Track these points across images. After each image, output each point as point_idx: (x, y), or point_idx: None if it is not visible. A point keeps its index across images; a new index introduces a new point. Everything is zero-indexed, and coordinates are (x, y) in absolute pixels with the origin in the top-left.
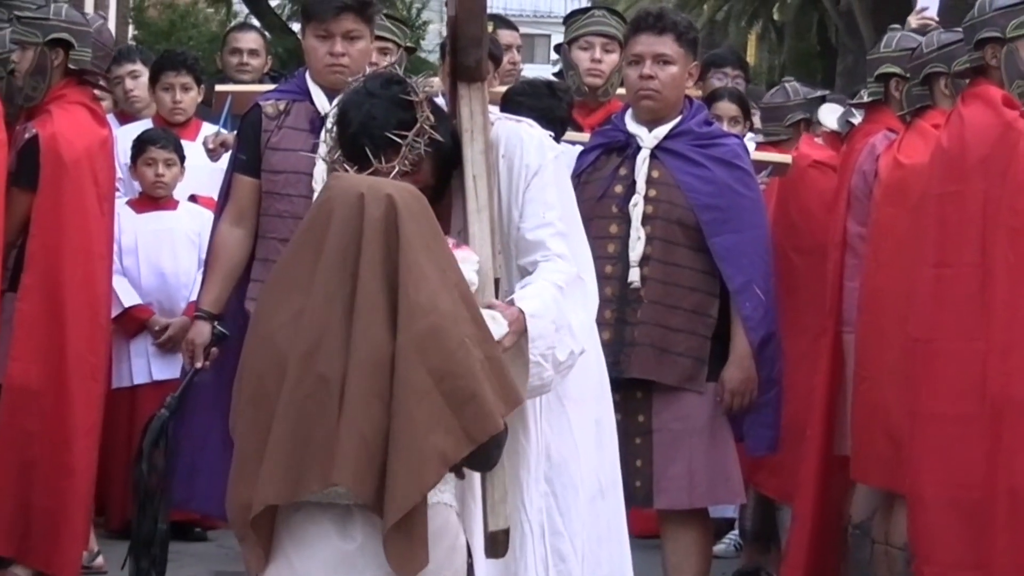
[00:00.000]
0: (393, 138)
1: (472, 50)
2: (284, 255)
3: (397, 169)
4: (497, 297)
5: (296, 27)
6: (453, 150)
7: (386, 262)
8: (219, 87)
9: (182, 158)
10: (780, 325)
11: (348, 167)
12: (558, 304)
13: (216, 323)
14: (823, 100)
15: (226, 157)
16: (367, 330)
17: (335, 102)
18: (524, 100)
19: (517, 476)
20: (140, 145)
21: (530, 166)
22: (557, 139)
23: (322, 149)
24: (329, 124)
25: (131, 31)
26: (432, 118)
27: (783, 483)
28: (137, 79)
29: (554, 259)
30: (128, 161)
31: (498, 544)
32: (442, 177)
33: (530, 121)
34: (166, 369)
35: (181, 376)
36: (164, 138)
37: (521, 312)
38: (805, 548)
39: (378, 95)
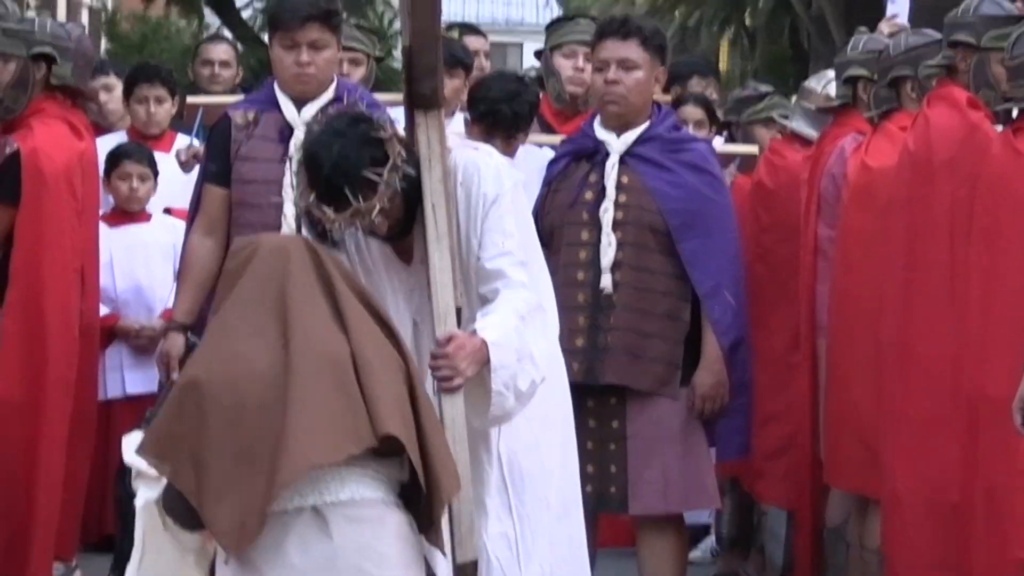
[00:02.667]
0: (371, 177)
1: (427, 79)
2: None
3: (378, 207)
4: (459, 326)
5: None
6: (419, 186)
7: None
8: (190, 99)
9: (155, 172)
10: (752, 328)
11: (325, 209)
12: (520, 333)
13: (190, 333)
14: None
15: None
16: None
17: (299, 143)
18: (493, 84)
19: (483, 503)
20: (114, 159)
21: (487, 195)
22: (525, 123)
23: (287, 181)
24: (295, 167)
25: (104, 44)
26: (403, 153)
27: (772, 488)
28: (111, 92)
29: (515, 287)
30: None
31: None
32: (411, 210)
33: (489, 149)
34: (140, 383)
35: (159, 390)
36: (138, 152)
37: (484, 342)
38: (810, 552)
39: (346, 134)
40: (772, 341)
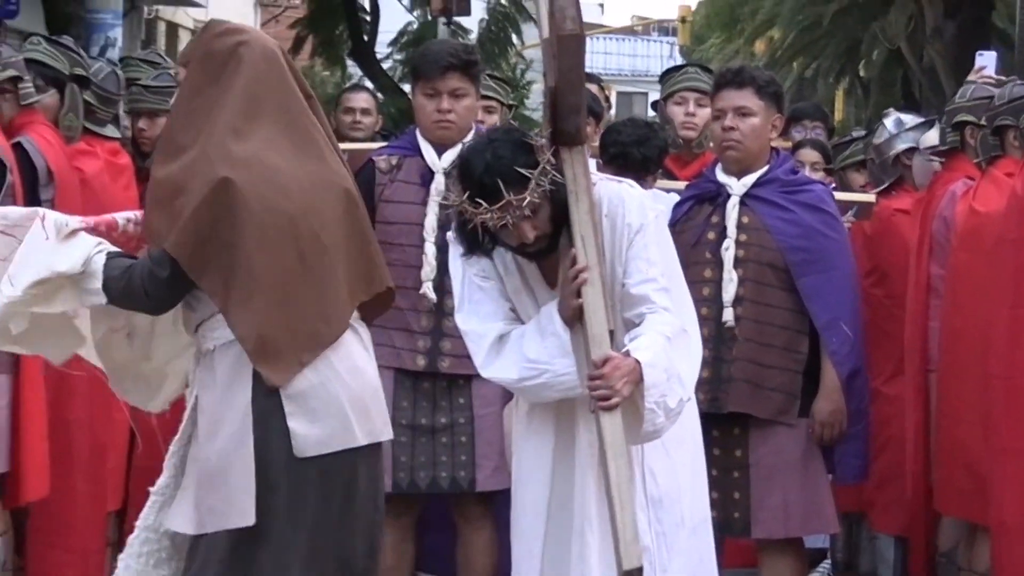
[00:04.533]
0: (522, 173)
1: (572, 117)
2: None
3: (528, 201)
4: (612, 347)
5: (407, 87)
6: (565, 203)
7: None
8: None
9: None
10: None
11: (478, 202)
12: (668, 354)
13: None
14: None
15: None
16: None
17: (454, 158)
18: (623, 128)
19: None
20: None
21: (632, 225)
22: (654, 167)
23: (432, 206)
24: (439, 181)
25: None
26: (553, 160)
27: (884, 516)
28: None
29: (659, 311)
30: None
31: None
32: (556, 226)
33: (630, 182)
34: None
35: None
36: None
37: (637, 362)
38: None
39: (500, 139)
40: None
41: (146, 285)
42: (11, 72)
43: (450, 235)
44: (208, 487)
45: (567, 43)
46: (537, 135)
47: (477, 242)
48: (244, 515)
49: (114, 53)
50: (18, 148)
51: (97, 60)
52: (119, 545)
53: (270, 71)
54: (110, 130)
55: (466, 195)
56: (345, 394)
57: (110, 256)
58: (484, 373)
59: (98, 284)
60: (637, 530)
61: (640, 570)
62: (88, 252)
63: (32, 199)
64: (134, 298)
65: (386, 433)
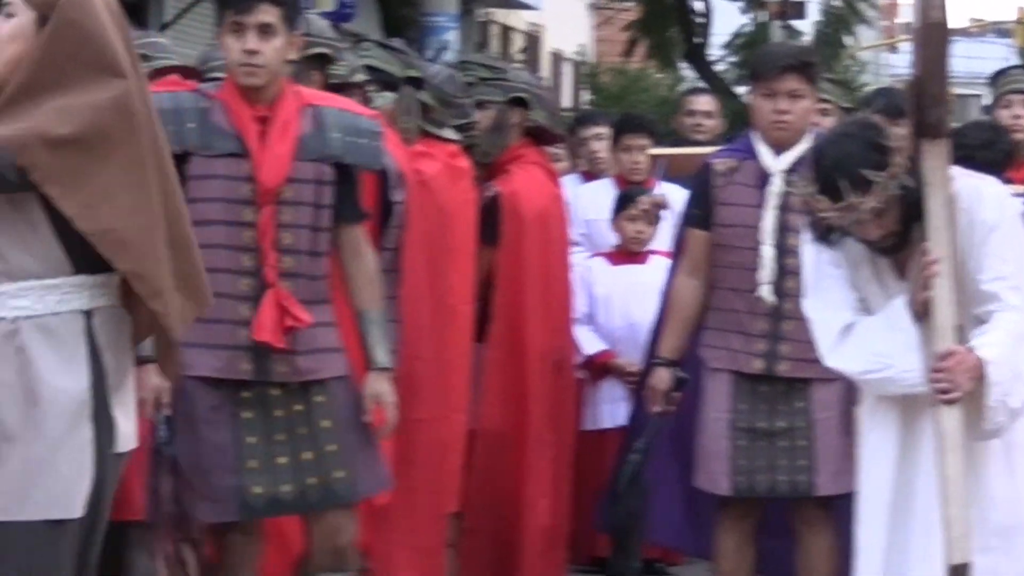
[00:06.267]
0: (868, 176)
1: (934, 108)
2: None
3: (870, 206)
4: (958, 342)
5: (740, 90)
6: (918, 201)
7: None
8: (652, 150)
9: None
10: None
11: (821, 200)
12: (1014, 353)
13: (675, 369)
14: None
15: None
16: None
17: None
18: (969, 131)
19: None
20: (624, 201)
21: (987, 221)
22: (999, 170)
23: (768, 209)
24: (776, 184)
25: (586, 96)
26: (905, 164)
27: None
28: (601, 141)
29: (1009, 310)
30: (590, 217)
31: None
32: (906, 225)
33: (991, 179)
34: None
35: (643, 420)
36: (644, 196)
37: (980, 359)
38: None
39: (854, 136)
40: None
41: None
42: (360, 76)
43: (804, 220)
44: None
45: (931, 32)
46: (896, 137)
47: (826, 234)
48: None
49: (449, 56)
50: None
51: (435, 63)
52: (457, 546)
53: None
54: (448, 132)
55: (812, 188)
56: None
57: None
58: (827, 362)
59: None
60: (968, 526)
61: (967, 566)
62: None
63: (384, 201)
64: None
65: None
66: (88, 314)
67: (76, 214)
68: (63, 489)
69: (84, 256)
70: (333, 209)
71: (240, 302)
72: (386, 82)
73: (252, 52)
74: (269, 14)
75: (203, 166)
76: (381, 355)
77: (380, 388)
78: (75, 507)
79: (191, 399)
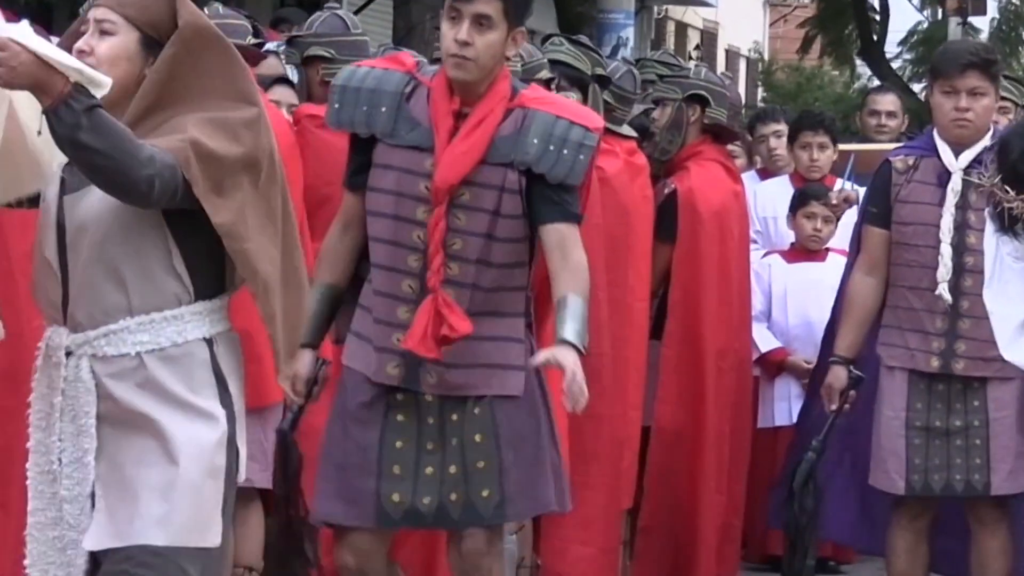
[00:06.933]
0: None
1: None
2: None
3: None
4: None
5: (916, 87)
6: None
7: None
8: (842, 146)
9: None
10: None
11: (1007, 189)
12: None
13: (851, 367)
14: None
15: (850, 212)
16: None
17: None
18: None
19: None
20: (801, 199)
21: None
22: None
23: (948, 207)
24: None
25: (760, 93)
26: None
27: None
28: (780, 138)
29: None
30: (768, 215)
31: None
32: None
33: None
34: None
35: (816, 418)
36: (824, 194)
37: None
38: None
39: None
40: None
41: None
42: (545, 73)
43: (988, 210)
44: None
45: None
46: None
47: (1009, 224)
48: None
49: (626, 53)
50: None
51: (612, 59)
52: (630, 544)
53: None
54: (627, 129)
55: (998, 178)
56: None
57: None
58: (1005, 355)
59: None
60: None
61: None
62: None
63: None
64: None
65: None
66: (210, 341)
67: (229, 231)
68: (207, 516)
69: (204, 282)
70: (526, 218)
71: (400, 303)
72: (572, 78)
73: (463, 44)
74: (489, 6)
75: (384, 155)
76: (566, 330)
77: (560, 356)
78: (214, 536)
79: (346, 392)
